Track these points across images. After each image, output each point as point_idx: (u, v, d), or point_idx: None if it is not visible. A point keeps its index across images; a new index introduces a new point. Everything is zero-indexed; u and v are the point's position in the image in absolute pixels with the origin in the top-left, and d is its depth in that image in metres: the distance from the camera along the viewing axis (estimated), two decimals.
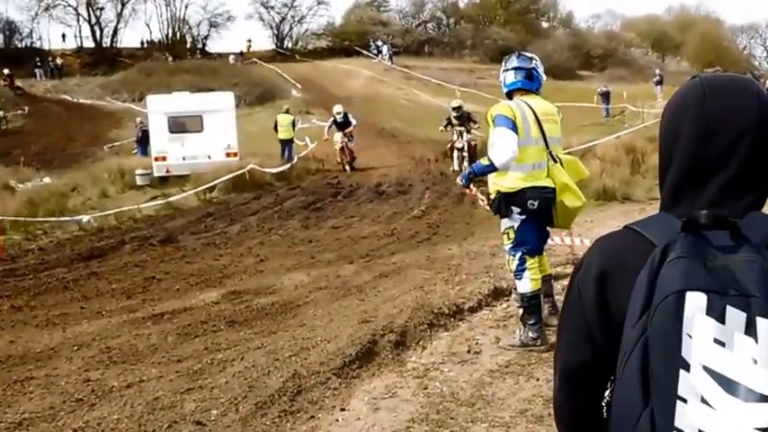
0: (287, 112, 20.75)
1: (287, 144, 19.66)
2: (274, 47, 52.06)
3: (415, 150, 20.77)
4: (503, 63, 4.97)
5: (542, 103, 4.83)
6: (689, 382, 0.89)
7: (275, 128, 19.81)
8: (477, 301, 6.01)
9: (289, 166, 18.10)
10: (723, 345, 0.89)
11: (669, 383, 0.90)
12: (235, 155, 17.67)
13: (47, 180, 17.45)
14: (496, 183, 4.66)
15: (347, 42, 49.28)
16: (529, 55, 5.05)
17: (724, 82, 1.08)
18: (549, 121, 4.75)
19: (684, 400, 0.89)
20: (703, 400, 0.88)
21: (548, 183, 4.60)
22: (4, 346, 5.91)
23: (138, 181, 16.48)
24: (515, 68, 4.79)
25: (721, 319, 0.89)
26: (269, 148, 19.37)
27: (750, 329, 0.89)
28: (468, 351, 4.78)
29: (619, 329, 0.99)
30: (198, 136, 17.65)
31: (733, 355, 0.88)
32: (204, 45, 52.92)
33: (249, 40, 48.60)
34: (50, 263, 9.58)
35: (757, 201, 1.06)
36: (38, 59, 41.35)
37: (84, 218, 12.21)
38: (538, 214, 4.62)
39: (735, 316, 0.89)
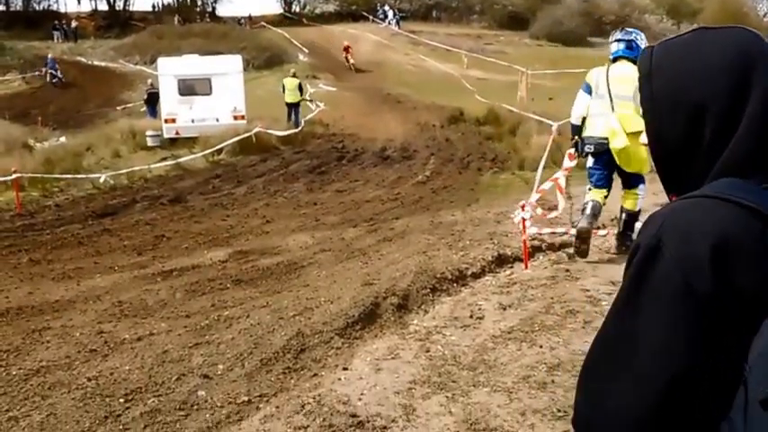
0: (294, 75, 20.40)
1: (293, 108, 19.38)
2: (282, 11, 51.06)
3: (420, 116, 20.48)
4: (611, 35, 6.02)
5: (623, 69, 5.54)
6: None
7: (284, 91, 19.55)
8: (481, 267, 5.93)
9: (297, 130, 17.90)
10: None
11: None
12: (242, 118, 17.48)
13: (63, 140, 17.41)
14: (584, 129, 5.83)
15: (354, 7, 48.25)
16: (630, 29, 5.94)
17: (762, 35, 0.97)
18: (619, 82, 5.49)
19: None
20: None
21: (602, 133, 5.51)
22: (23, 296, 5.99)
23: (149, 142, 16.41)
24: (617, 40, 5.73)
25: None
26: (276, 112, 19.15)
27: None
28: (471, 316, 4.71)
29: (752, 314, 0.82)
30: (207, 99, 17.45)
31: None
32: (214, 9, 51.95)
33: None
34: (66, 219, 9.65)
35: None
36: (55, 22, 40.81)
37: (101, 177, 12.20)
38: (598, 156, 5.65)
39: None
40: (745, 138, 0.92)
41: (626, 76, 5.46)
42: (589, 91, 5.71)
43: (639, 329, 0.86)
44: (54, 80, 29.31)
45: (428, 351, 4.14)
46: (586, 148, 5.72)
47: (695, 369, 0.83)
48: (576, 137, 5.90)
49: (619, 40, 5.73)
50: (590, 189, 5.83)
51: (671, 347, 0.84)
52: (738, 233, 0.85)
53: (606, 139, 5.46)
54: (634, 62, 5.49)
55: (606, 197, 5.78)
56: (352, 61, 31.20)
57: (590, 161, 5.84)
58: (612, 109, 5.48)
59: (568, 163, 6.52)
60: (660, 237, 0.88)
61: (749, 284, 0.82)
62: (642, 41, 5.64)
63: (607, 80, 5.59)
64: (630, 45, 5.62)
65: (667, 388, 0.83)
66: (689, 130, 0.94)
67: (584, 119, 5.78)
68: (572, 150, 6.14)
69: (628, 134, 5.30)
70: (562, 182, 6.61)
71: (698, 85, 0.93)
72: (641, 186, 5.76)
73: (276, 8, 51.43)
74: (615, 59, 5.70)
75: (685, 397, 0.83)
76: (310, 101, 20.25)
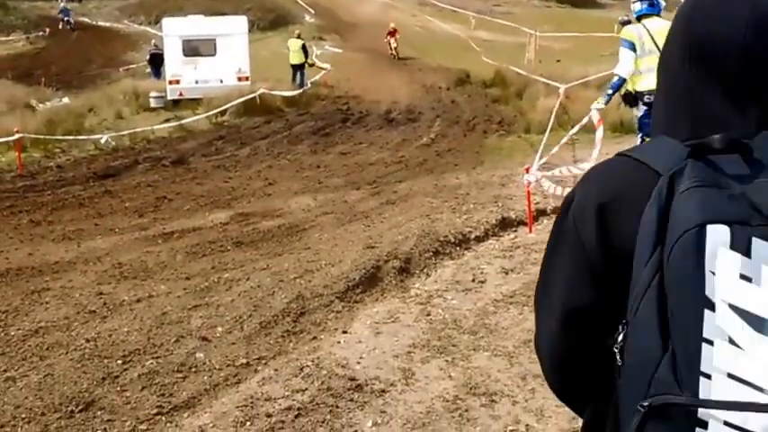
0: (298, 37, 19.98)
1: (298, 69, 19.03)
2: None
3: (426, 78, 20.08)
4: None
5: (660, 23, 5.78)
6: (714, 323, 0.79)
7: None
8: (484, 230, 5.83)
9: (300, 91, 17.61)
10: (750, 280, 0.79)
11: (693, 326, 0.80)
12: (246, 79, 17.19)
13: (65, 100, 17.19)
14: (629, 83, 6.09)
15: None
16: None
17: None
18: (663, 36, 5.93)
19: (711, 342, 0.79)
20: (731, 341, 0.79)
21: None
22: (23, 257, 5.94)
23: (152, 103, 16.20)
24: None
25: (747, 252, 0.79)
26: (280, 73, 18.84)
27: None
28: (473, 280, 4.63)
29: (625, 266, 0.87)
30: (211, 60, 17.18)
31: (761, 290, 0.79)
32: None
33: None
34: (67, 180, 9.56)
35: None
36: None
37: (102, 137, 12.05)
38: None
39: (761, 248, 0.79)
40: (666, 97, 0.96)
41: (667, 30, 6.19)
42: (633, 48, 5.94)
43: (553, 270, 0.98)
44: (69, 26, 30.34)
45: (429, 315, 4.07)
46: (646, 98, 5.96)
47: (586, 305, 0.94)
48: (611, 93, 6.35)
49: (642, 0, 6.09)
50: (644, 139, 6.26)
51: (567, 283, 0.96)
52: (625, 190, 0.90)
53: None
54: (659, 17, 5.95)
55: None
56: (395, 45, 24.78)
57: (641, 110, 6.15)
58: None
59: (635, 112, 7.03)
60: (575, 192, 0.97)
61: (626, 239, 0.87)
62: None
63: (651, 36, 5.83)
64: (652, 2, 5.95)
65: (565, 318, 0.96)
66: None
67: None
68: (603, 101, 6.63)
69: None
70: (596, 117, 7.02)
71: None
72: None
73: None
74: (639, 18, 5.98)
75: (581, 325, 0.95)
76: (312, 65, 19.79)
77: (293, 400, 3.24)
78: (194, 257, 5.75)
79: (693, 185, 0.82)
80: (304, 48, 19.40)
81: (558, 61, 19.23)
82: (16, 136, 10.53)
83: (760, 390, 0.77)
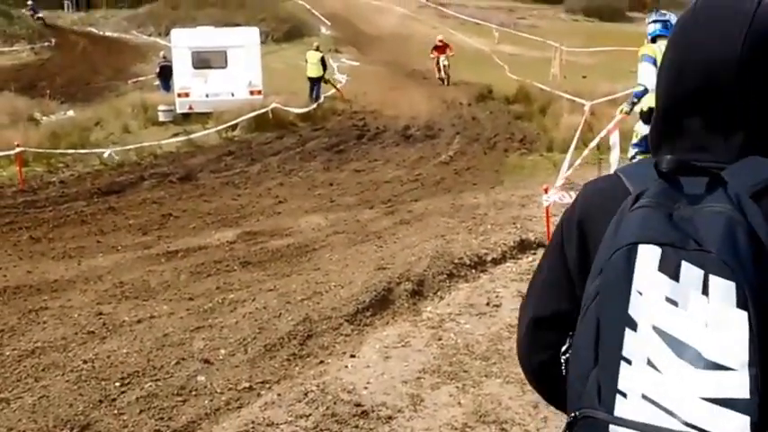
0: (317, 49, 20.23)
1: (315, 82, 19.24)
2: None
3: (446, 93, 20.21)
4: (647, 17, 7.07)
5: None
6: (635, 343, 0.83)
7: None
8: (501, 252, 5.86)
9: (315, 105, 17.80)
10: (676, 304, 0.82)
11: (614, 343, 0.84)
12: (258, 93, 17.42)
13: (71, 113, 17.54)
14: (648, 100, 6.47)
15: None
16: (663, 11, 7.14)
17: (716, 3, 0.94)
18: None
19: (629, 362, 0.83)
20: (650, 363, 0.82)
21: None
22: (21, 275, 6.06)
23: (161, 117, 16.46)
24: (655, 21, 6.70)
25: (675, 275, 0.82)
26: (294, 87, 19.08)
27: (706, 288, 0.82)
28: (488, 304, 4.66)
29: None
30: (222, 72, 17.43)
31: (687, 315, 0.81)
32: None
33: None
34: (70, 196, 9.71)
35: (754, 141, 0.92)
36: None
37: (106, 152, 12.27)
38: None
39: (691, 273, 0.82)
40: (656, 114, 1.01)
41: None
42: (655, 63, 6.40)
43: (537, 276, 1.09)
44: (38, 19, 31.81)
45: (440, 339, 4.10)
46: None
47: (551, 315, 1.03)
48: (635, 101, 6.70)
49: (656, 21, 6.63)
50: (637, 155, 6.54)
51: (544, 289, 1.06)
52: (603, 208, 0.95)
53: None
54: None
55: None
56: (445, 63, 21.16)
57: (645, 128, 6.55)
58: None
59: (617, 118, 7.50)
60: (573, 202, 1.05)
61: (595, 252, 0.93)
62: (674, 20, 6.44)
63: None
64: (666, 25, 6.48)
65: (535, 321, 1.06)
66: None
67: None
68: (627, 108, 6.98)
69: None
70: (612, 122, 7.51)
71: None
72: None
73: None
74: (654, 39, 6.55)
75: (548, 331, 1.04)
76: (327, 81, 20.00)
77: (296, 425, 3.28)
78: (199, 277, 5.84)
79: (640, 205, 0.86)
80: (323, 61, 19.60)
81: (585, 77, 19.27)
82: (17, 150, 10.75)
83: (671, 414, 0.80)
